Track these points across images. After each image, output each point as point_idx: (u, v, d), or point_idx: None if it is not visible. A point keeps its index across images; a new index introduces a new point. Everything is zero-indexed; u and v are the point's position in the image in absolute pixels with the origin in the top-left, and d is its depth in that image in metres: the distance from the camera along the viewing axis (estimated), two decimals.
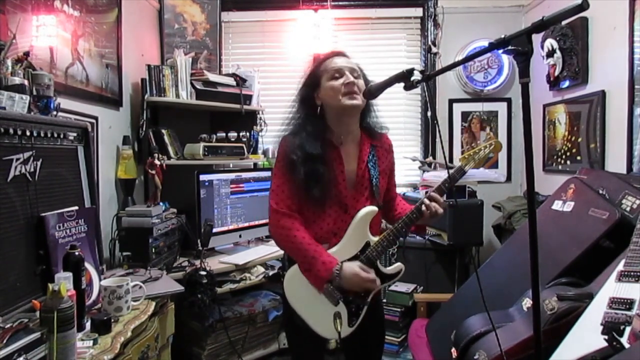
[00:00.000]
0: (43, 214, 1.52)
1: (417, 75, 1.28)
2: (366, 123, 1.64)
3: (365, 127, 1.64)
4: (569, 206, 2.04)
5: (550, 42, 2.77)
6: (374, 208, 1.55)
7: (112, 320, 1.48)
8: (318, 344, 1.61)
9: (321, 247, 1.50)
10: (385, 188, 1.67)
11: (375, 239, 1.55)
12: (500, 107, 3.42)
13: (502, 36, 1.01)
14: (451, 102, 3.41)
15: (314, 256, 1.47)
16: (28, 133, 1.48)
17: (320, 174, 1.49)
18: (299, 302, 1.54)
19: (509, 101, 3.41)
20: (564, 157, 2.84)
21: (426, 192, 1.59)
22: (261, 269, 2.63)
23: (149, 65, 2.65)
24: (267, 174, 3.03)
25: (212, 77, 2.89)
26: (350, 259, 1.53)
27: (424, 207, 1.51)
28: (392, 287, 2.79)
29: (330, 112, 1.57)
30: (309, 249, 1.48)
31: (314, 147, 1.50)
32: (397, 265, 1.61)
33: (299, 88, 1.63)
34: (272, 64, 3.44)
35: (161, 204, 2.49)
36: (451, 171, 1.56)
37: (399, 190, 1.61)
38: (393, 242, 1.55)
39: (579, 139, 2.67)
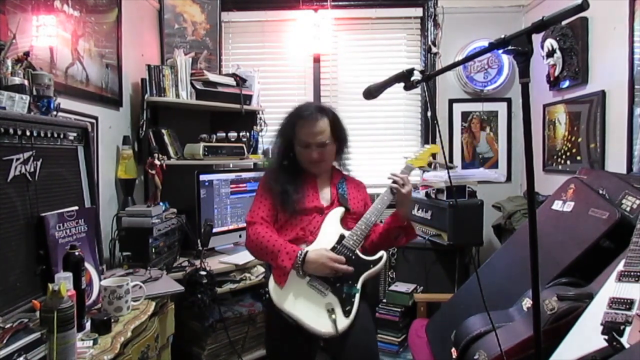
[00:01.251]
0: (43, 214, 1.52)
1: (417, 75, 1.29)
2: (337, 161, 1.96)
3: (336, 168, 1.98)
4: (569, 206, 2.04)
5: (550, 42, 2.77)
6: (342, 208, 1.82)
7: (112, 320, 1.48)
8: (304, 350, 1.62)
9: (286, 242, 1.66)
10: (359, 212, 1.85)
11: (349, 232, 1.72)
12: (500, 107, 3.42)
13: (502, 36, 1.02)
14: (451, 102, 3.40)
15: (279, 249, 1.62)
16: (28, 133, 1.48)
17: (292, 199, 1.75)
18: (287, 301, 1.57)
19: (509, 101, 3.41)
20: (564, 157, 2.84)
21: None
22: (261, 269, 2.63)
23: (149, 65, 2.65)
24: None
25: (212, 77, 2.89)
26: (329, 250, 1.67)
27: (394, 185, 1.75)
28: (392, 287, 2.79)
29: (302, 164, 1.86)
30: (275, 245, 1.64)
31: (289, 180, 1.79)
32: (379, 253, 1.71)
33: (278, 131, 1.92)
34: (272, 64, 3.44)
35: (161, 204, 2.49)
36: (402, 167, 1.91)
37: None
38: (366, 231, 1.71)
39: (579, 139, 2.67)
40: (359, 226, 1.72)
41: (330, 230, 1.73)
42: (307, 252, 1.61)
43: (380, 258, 1.69)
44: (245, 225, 2.85)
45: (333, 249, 1.64)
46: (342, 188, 1.88)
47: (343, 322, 1.52)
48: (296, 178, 1.82)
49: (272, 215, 1.80)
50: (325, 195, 1.86)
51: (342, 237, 1.70)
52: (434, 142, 3.42)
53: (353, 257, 1.64)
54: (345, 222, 1.79)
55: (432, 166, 3.15)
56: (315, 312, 1.52)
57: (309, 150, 1.80)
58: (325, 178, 1.91)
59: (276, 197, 1.78)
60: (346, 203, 1.83)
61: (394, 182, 1.77)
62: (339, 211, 1.79)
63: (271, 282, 1.65)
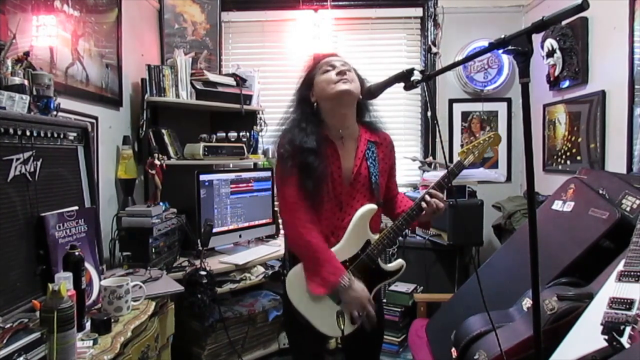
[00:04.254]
0: (43, 214, 1.52)
1: (417, 75, 1.28)
2: (365, 120, 1.65)
3: (364, 123, 1.65)
4: (569, 206, 2.04)
5: (550, 42, 2.77)
6: (374, 206, 1.55)
7: (112, 320, 1.48)
8: (319, 343, 1.62)
9: (333, 253, 1.50)
10: (386, 186, 1.67)
11: (376, 237, 1.55)
12: (500, 107, 3.42)
13: (502, 36, 1.01)
14: (451, 102, 3.41)
15: (325, 259, 1.47)
16: (28, 133, 1.48)
17: (314, 167, 1.48)
18: (302, 301, 1.53)
19: (509, 101, 3.41)
20: (564, 157, 2.84)
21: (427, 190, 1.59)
22: (261, 269, 2.63)
23: (149, 65, 2.66)
24: (267, 174, 3.04)
25: (212, 77, 2.89)
26: (351, 258, 1.53)
27: (423, 204, 1.50)
28: (392, 287, 2.79)
29: (324, 105, 1.57)
30: (320, 252, 1.47)
31: (307, 142, 1.49)
32: (398, 262, 1.60)
33: (295, 91, 1.64)
34: (272, 64, 3.44)
35: (161, 204, 2.49)
36: (450, 165, 1.56)
37: (399, 190, 1.63)
38: (394, 239, 1.55)
39: (579, 139, 2.67)
40: (387, 235, 1.53)
41: (356, 233, 1.53)
42: (351, 278, 1.47)
43: (399, 269, 1.60)
44: (245, 224, 2.95)
45: (356, 257, 1.53)
46: (373, 161, 1.58)
47: (349, 329, 1.52)
48: (314, 139, 1.50)
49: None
50: (348, 171, 1.56)
51: (367, 243, 1.54)
52: (434, 142, 3.42)
53: (373, 266, 1.54)
54: (373, 217, 1.57)
55: (432, 166, 3.16)
56: (324, 317, 1.51)
57: (333, 70, 1.53)
58: (350, 143, 1.59)
59: (295, 173, 1.50)
60: (378, 193, 1.57)
61: (427, 203, 1.50)
62: (370, 210, 1.54)
63: (291, 276, 1.53)
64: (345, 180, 1.56)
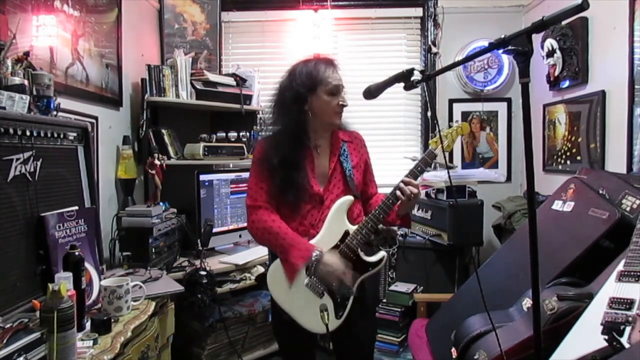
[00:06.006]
0: (43, 214, 1.52)
1: (417, 75, 1.29)
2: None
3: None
4: (569, 206, 2.04)
5: (550, 42, 2.77)
6: (350, 197, 1.62)
7: (112, 320, 1.48)
8: (305, 341, 1.62)
9: (299, 237, 1.55)
10: (362, 182, 1.72)
11: (355, 227, 1.60)
12: (500, 107, 3.42)
13: (502, 36, 1.02)
14: (451, 102, 3.40)
15: (292, 244, 1.52)
16: (28, 133, 1.48)
17: (295, 180, 1.57)
18: (284, 297, 1.56)
19: (509, 101, 3.41)
20: (564, 157, 2.84)
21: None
22: (261, 269, 2.63)
23: (149, 65, 2.66)
24: None
25: (212, 77, 2.89)
26: (331, 249, 1.57)
27: (398, 192, 1.55)
28: (392, 287, 2.79)
29: (315, 120, 1.63)
30: (286, 238, 1.53)
31: (291, 152, 1.58)
32: (380, 254, 1.63)
33: (291, 82, 1.62)
34: (272, 64, 3.43)
35: (161, 204, 2.49)
36: (423, 155, 1.65)
37: (378, 190, 1.66)
38: (372, 229, 1.59)
39: (579, 139, 2.67)
40: (365, 224, 1.57)
41: (334, 224, 1.59)
42: (322, 254, 1.51)
43: (380, 260, 1.61)
44: (245, 224, 2.93)
45: (335, 247, 1.57)
46: (345, 157, 1.67)
47: (334, 323, 1.53)
48: (297, 152, 1.60)
49: (274, 197, 1.62)
50: (323, 169, 1.65)
51: (346, 233, 1.58)
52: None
53: (354, 257, 1.57)
54: (350, 208, 1.63)
55: (432, 166, 3.16)
56: (309, 312, 1.52)
57: (338, 97, 1.60)
58: (325, 145, 1.68)
59: (276, 181, 1.58)
60: (353, 186, 1.64)
61: (401, 190, 1.55)
62: (346, 201, 1.60)
63: (271, 274, 1.58)
64: (320, 179, 1.64)
